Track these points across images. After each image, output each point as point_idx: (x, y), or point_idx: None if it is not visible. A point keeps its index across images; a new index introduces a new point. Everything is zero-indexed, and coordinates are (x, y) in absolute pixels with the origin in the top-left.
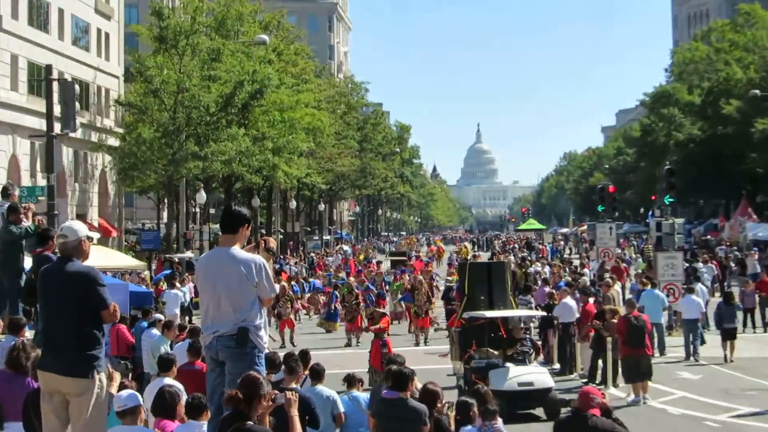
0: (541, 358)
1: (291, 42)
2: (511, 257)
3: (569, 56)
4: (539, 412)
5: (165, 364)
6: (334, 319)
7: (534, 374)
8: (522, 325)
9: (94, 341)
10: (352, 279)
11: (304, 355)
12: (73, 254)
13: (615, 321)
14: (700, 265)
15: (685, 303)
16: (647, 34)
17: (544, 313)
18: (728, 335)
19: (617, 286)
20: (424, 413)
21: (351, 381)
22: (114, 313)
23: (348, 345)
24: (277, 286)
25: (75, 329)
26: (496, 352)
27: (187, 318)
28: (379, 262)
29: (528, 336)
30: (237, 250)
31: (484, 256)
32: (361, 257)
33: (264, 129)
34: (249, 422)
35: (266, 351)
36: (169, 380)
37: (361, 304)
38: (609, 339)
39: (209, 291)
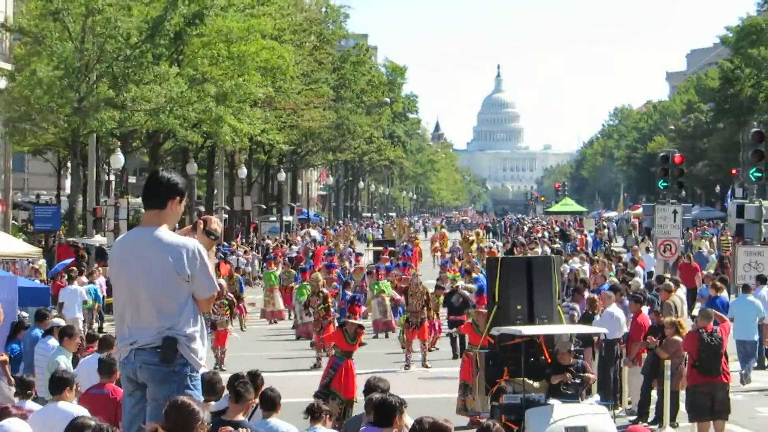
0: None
1: None
2: (539, 250)
3: None
4: None
5: (58, 384)
6: None
7: (589, 416)
8: (573, 346)
9: None
10: (318, 275)
11: (255, 377)
12: None
13: (677, 338)
14: None
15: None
16: None
17: (605, 330)
18: None
19: (681, 292)
20: None
21: (315, 413)
22: None
23: (316, 366)
24: (216, 282)
25: None
26: (536, 384)
27: (96, 324)
28: (359, 255)
29: (581, 361)
30: (164, 231)
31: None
32: (340, 246)
33: (204, 68)
34: None
35: (203, 370)
36: (64, 406)
37: (331, 309)
38: (668, 362)
39: (125, 288)
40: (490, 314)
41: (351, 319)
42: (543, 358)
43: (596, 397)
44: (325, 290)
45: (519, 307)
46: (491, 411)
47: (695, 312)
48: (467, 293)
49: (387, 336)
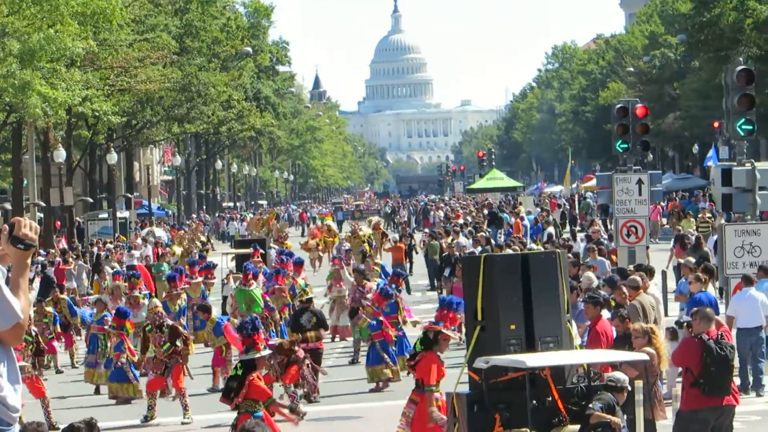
0: None
1: None
2: (462, 240)
3: None
4: None
5: None
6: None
7: None
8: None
9: None
10: (156, 301)
11: (91, 428)
12: None
13: (650, 350)
14: None
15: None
16: None
17: (646, 357)
18: None
19: (654, 287)
20: None
21: None
22: None
23: (147, 419)
24: (19, 306)
25: None
26: None
27: None
28: (209, 266)
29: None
30: None
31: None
32: (187, 251)
33: (3, 19)
34: None
35: (16, 424)
36: None
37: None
38: (638, 383)
39: None
40: (471, 338)
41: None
42: (551, 399)
43: None
44: (167, 320)
45: (513, 327)
46: None
47: (683, 314)
48: (320, 311)
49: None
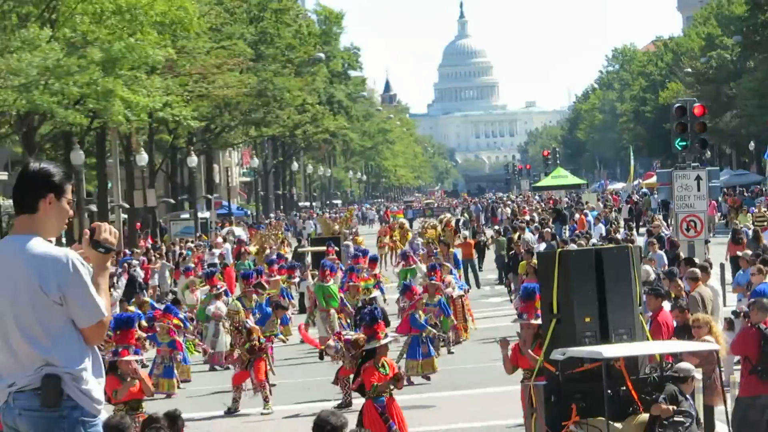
0: None
1: None
2: (528, 235)
3: None
4: None
5: None
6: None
7: None
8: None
9: None
10: (238, 304)
11: (173, 419)
12: None
13: (709, 338)
14: None
15: None
16: None
17: (717, 346)
18: None
19: (714, 280)
20: None
21: None
22: None
23: (231, 411)
24: (103, 305)
25: None
26: (619, 426)
27: None
28: (292, 266)
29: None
30: (36, 241)
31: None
32: (266, 249)
33: (85, 28)
34: None
35: (102, 414)
36: None
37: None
38: (699, 371)
39: None
40: (548, 331)
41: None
42: (625, 389)
43: None
44: (248, 323)
45: (588, 319)
46: None
47: (740, 305)
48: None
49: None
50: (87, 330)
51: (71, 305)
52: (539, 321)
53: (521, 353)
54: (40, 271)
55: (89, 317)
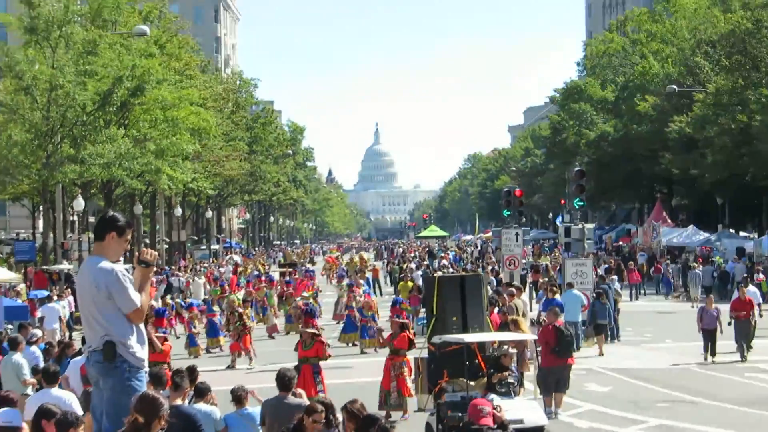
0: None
1: (174, 34)
2: (413, 265)
3: (473, 51)
4: None
5: (52, 376)
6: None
7: (523, 410)
8: (511, 351)
9: None
10: (234, 297)
11: (191, 371)
12: None
13: (522, 331)
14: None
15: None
16: (559, 25)
17: (534, 337)
18: (599, 330)
19: (524, 296)
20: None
21: (238, 398)
22: None
23: (230, 367)
24: (138, 299)
25: None
26: (472, 383)
27: (68, 334)
28: (270, 278)
29: (514, 366)
30: (97, 259)
31: (380, 266)
32: (248, 271)
33: (145, 130)
34: None
35: (145, 368)
36: (56, 392)
37: (247, 321)
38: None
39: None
40: (429, 325)
41: (306, 329)
42: (477, 361)
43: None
44: (240, 309)
45: (455, 318)
46: (437, 408)
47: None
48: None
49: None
50: (128, 314)
51: (116, 299)
52: (401, 320)
53: (392, 338)
54: (96, 278)
55: (127, 307)
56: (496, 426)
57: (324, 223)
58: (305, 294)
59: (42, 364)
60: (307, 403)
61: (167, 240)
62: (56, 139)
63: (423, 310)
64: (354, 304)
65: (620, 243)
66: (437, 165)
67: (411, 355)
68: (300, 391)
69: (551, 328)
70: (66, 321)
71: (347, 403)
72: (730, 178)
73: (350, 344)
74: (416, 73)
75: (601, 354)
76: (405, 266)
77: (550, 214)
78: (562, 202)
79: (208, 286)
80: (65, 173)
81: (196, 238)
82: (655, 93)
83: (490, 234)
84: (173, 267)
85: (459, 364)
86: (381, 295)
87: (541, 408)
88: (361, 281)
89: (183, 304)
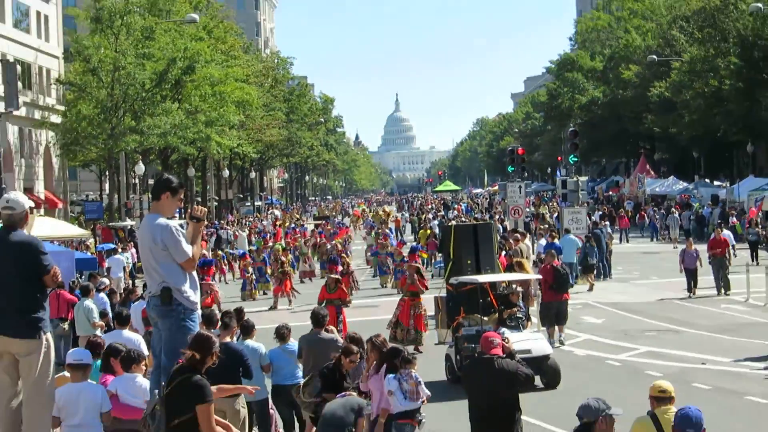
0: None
1: (220, 20)
2: (430, 215)
3: (481, 27)
4: (537, 380)
5: (124, 319)
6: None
7: (530, 341)
8: (518, 289)
9: (38, 304)
10: (278, 246)
11: (239, 312)
12: (18, 224)
13: (526, 271)
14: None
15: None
16: (553, 5)
17: (539, 276)
18: (590, 269)
19: (528, 240)
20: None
21: (282, 335)
22: (55, 278)
23: (272, 308)
24: (191, 249)
25: (20, 294)
26: (486, 318)
27: (131, 282)
28: (303, 229)
29: (521, 302)
30: (154, 216)
31: (401, 217)
32: (287, 224)
33: (197, 103)
34: (197, 375)
35: (198, 310)
36: (127, 334)
37: (287, 267)
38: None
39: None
40: (447, 268)
41: (330, 275)
42: (489, 299)
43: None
44: (282, 258)
45: (469, 261)
46: (455, 341)
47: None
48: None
49: (311, 280)
50: (182, 264)
51: (171, 250)
52: (417, 265)
53: (408, 281)
54: (154, 233)
55: (179, 257)
56: (505, 355)
57: (352, 181)
58: (335, 241)
59: (109, 309)
60: (337, 337)
61: (216, 198)
62: (119, 113)
63: (440, 255)
64: (385, 251)
65: (610, 193)
66: (450, 128)
67: (431, 295)
68: (331, 327)
69: (549, 268)
70: (129, 270)
71: (372, 336)
72: (704, 135)
73: (383, 286)
74: (431, 48)
75: (590, 289)
76: (423, 217)
77: (549, 169)
78: (559, 158)
79: (253, 238)
80: (127, 142)
81: (241, 196)
82: (638, 62)
83: (497, 187)
84: (222, 221)
85: (474, 301)
86: (403, 243)
87: (546, 339)
88: (387, 230)
89: (233, 253)
